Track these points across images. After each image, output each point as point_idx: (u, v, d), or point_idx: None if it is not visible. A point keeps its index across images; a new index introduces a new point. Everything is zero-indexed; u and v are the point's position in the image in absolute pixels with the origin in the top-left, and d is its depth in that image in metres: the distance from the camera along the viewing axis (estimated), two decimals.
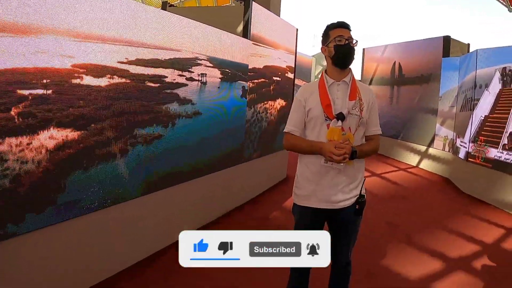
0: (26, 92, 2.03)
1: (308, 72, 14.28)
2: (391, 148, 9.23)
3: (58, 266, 2.37)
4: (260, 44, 4.67)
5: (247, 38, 4.34)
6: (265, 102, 5.06)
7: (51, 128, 2.19)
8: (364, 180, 2.16)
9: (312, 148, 2.02)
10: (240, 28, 4.32)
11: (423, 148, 8.33)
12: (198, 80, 3.52)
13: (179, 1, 12.36)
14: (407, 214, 5.08)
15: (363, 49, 11.33)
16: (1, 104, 1.90)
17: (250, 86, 4.57)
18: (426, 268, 3.47)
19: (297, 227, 2.19)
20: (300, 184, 2.13)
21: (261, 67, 4.84)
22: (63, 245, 2.39)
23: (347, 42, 1.99)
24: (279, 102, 5.52)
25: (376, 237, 4.11)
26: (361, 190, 2.10)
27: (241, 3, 4.54)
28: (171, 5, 5.18)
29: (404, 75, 9.40)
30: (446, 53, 7.89)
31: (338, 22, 2.06)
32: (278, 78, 5.49)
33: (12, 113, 1.97)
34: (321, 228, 2.13)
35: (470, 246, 4.08)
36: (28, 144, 2.07)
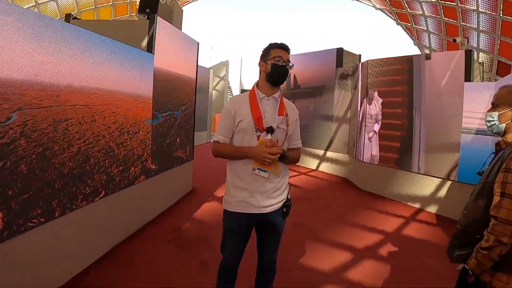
0: None
1: (206, 84, 14.45)
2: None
3: None
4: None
5: (151, 53, 4.31)
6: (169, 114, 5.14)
7: None
8: (290, 186, 2.38)
9: (242, 153, 2.15)
10: (144, 42, 4.27)
11: (321, 152, 9.06)
12: None
13: (76, 11, 11.67)
14: (312, 213, 5.51)
15: (260, 61, 11.83)
16: None
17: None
18: (336, 260, 3.83)
19: (228, 234, 2.32)
20: (231, 192, 2.24)
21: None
22: None
23: (284, 64, 2.16)
24: (181, 116, 5.57)
25: (284, 236, 4.35)
26: (287, 195, 2.32)
27: (144, 16, 4.50)
28: (74, 18, 4.89)
29: (299, 85, 10.08)
30: (339, 63, 8.68)
31: (281, 43, 2.21)
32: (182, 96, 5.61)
33: None
34: (250, 232, 2.33)
35: (374, 236, 4.63)
36: None
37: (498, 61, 11.46)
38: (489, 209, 1.67)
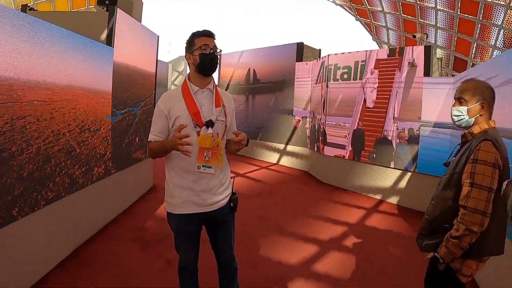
0: None
1: (165, 78, 14.20)
2: (251, 148, 9.79)
3: None
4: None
5: (111, 46, 4.14)
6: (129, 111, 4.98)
7: None
8: (233, 179, 2.33)
9: (163, 146, 1.99)
10: (104, 35, 4.10)
11: (281, 146, 9.16)
12: None
13: (32, 3, 10.99)
14: (275, 207, 5.57)
15: (220, 55, 11.70)
16: None
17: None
18: (303, 253, 3.92)
19: (178, 237, 2.20)
20: (173, 193, 2.11)
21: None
22: None
23: (211, 51, 2.04)
24: (140, 113, 5.40)
25: (250, 231, 4.43)
26: (232, 189, 2.27)
27: (103, 8, 4.32)
28: (31, 9, 4.58)
29: (259, 80, 10.10)
30: (299, 58, 8.78)
31: (203, 30, 2.09)
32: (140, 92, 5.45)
33: None
34: (200, 231, 2.25)
35: (338, 228, 4.75)
36: None
37: (455, 57, 12.20)
38: (457, 199, 1.75)
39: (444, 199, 1.83)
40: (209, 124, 2.03)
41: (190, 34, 2.12)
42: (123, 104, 4.68)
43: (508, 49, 10.85)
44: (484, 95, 1.84)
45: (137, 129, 5.29)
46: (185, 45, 2.15)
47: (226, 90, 11.36)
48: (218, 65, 2.17)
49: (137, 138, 5.31)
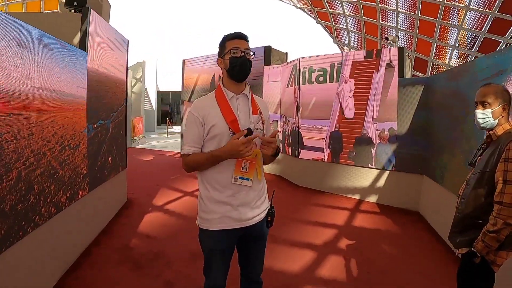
0: None
1: None
2: None
3: None
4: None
5: (84, 50, 3.75)
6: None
7: None
8: (274, 192, 2.20)
9: (216, 157, 1.84)
10: (77, 39, 3.71)
11: None
12: None
13: (4, 3, 10.17)
14: None
15: (183, 60, 11.38)
16: None
17: None
18: (302, 259, 3.84)
19: (211, 255, 2.02)
20: (208, 208, 1.94)
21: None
22: None
23: (243, 54, 1.90)
24: (111, 127, 4.89)
25: None
26: (271, 202, 2.13)
27: (70, 10, 3.93)
28: None
29: None
30: (268, 61, 8.69)
31: (235, 32, 1.95)
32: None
33: None
34: (234, 248, 2.08)
35: (328, 231, 4.74)
36: None
37: (415, 57, 12.74)
38: (490, 196, 1.89)
39: (476, 197, 1.96)
40: (249, 132, 1.85)
41: (221, 38, 1.98)
42: (95, 117, 4.16)
43: (462, 47, 11.50)
44: (504, 97, 1.99)
45: (109, 146, 4.76)
46: (218, 49, 2.01)
47: (190, 96, 11.05)
48: (250, 70, 1.97)
49: (109, 158, 4.79)
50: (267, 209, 2.10)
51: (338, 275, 3.48)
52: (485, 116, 2.00)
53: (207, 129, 1.89)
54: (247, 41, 1.95)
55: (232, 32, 1.97)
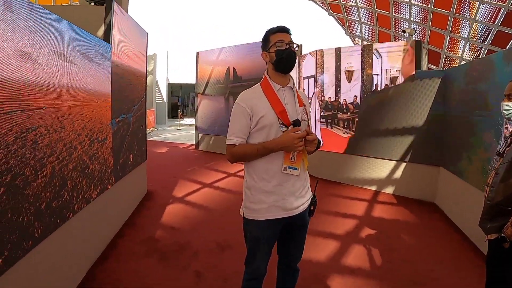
0: None
1: None
2: None
3: None
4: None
5: (108, 42, 3.73)
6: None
7: None
8: (317, 181, 2.29)
9: (269, 149, 1.90)
10: (101, 31, 3.70)
11: None
12: None
13: None
14: None
15: (197, 53, 11.36)
16: None
17: None
18: (327, 249, 3.88)
19: (257, 244, 2.07)
20: (256, 198, 1.99)
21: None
22: None
23: (288, 46, 1.95)
24: (133, 121, 4.85)
25: None
26: (314, 191, 2.17)
27: (90, 3, 3.91)
28: None
29: (240, 77, 9.86)
30: None
31: (278, 26, 2.00)
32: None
33: None
34: (276, 238, 2.15)
35: (349, 221, 4.77)
36: None
37: (428, 49, 12.56)
38: None
39: (506, 185, 2.01)
40: (296, 123, 1.93)
41: (265, 32, 2.04)
42: (118, 110, 4.14)
43: (475, 40, 11.30)
44: None
45: (131, 143, 4.72)
46: (261, 43, 2.07)
47: (204, 89, 11.03)
48: (296, 62, 2.04)
49: (131, 156, 4.77)
50: (310, 198, 2.14)
51: (362, 264, 3.52)
52: (509, 107, 2.15)
53: (255, 120, 1.93)
54: (290, 34, 2.00)
55: (274, 26, 2.02)
